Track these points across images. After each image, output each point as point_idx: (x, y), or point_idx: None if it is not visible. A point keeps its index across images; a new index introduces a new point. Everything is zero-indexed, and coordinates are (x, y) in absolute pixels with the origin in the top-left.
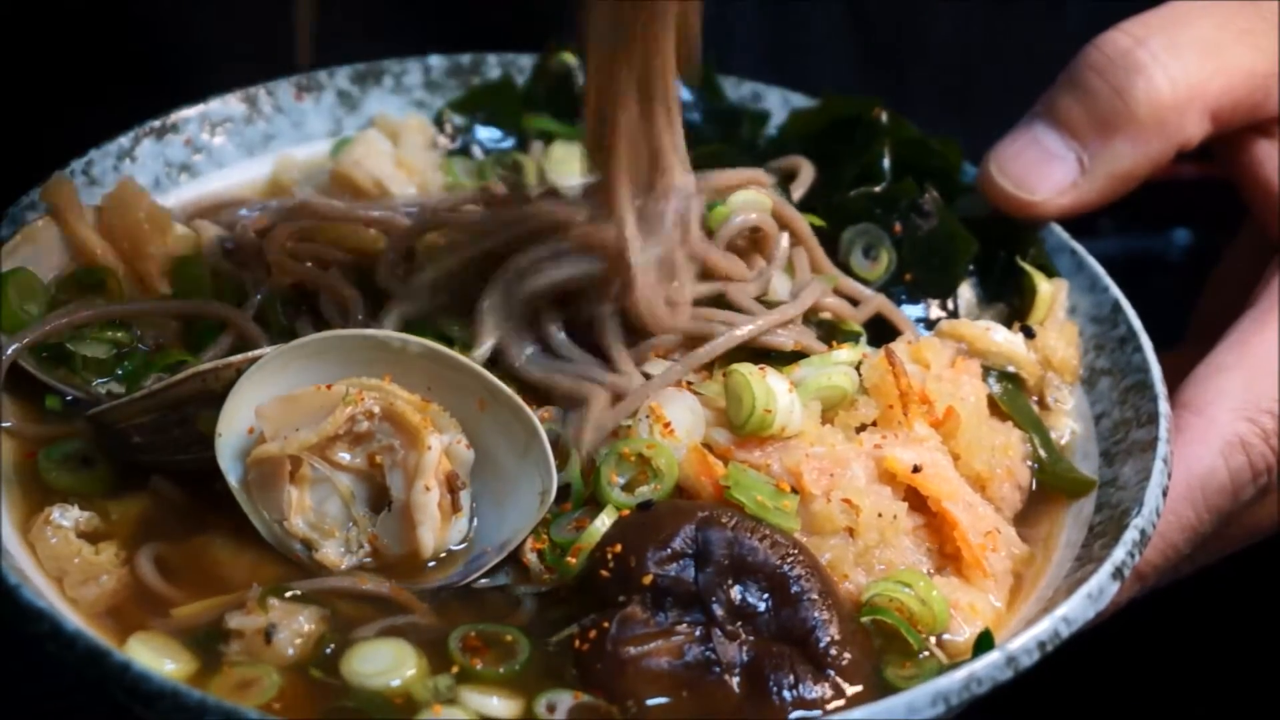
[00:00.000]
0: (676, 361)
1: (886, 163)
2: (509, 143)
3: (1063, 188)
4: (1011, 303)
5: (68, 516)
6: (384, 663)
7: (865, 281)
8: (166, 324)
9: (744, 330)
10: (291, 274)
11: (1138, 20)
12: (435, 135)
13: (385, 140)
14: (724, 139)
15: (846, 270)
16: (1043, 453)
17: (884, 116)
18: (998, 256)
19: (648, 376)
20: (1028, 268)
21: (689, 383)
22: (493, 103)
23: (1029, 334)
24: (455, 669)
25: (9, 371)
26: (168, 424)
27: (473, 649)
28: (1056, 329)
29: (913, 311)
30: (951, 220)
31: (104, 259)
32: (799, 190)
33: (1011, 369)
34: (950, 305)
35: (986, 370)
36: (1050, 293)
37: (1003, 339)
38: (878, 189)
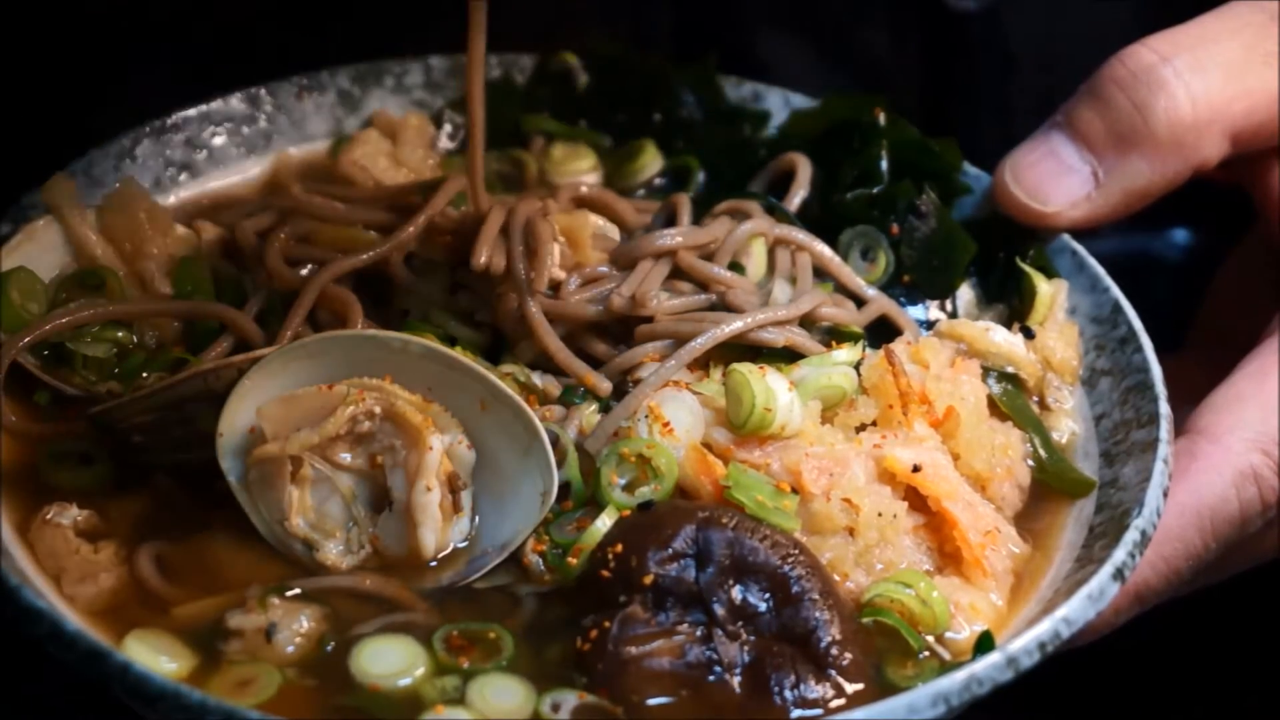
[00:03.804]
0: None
1: (885, 164)
2: (510, 142)
3: (1076, 200)
4: (1011, 303)
5: (66, 515)
6: (395, 662)
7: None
8: (167, 324)
9: (730, 327)
10: (289, 283)
11: (1164, 36)
12: (434, 134)
13: (384, 139)
14: (724, 140)
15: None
16: (1043, 453)
17: (882, 118)
18: (997, 257)
19: (635, 381)
20: (1027, 268)
21: (687, 383)
22: (493, 102)
23: (1028, 334)
24: (441, 674)
25: (9, 370)
26: (169, 423)
27: (458, 648)
28: (1056, 330)
29: (912, 313)
30: (949, 222)
31: (105, 259)
32: (799, 190)
33: (1011, 369)
34: (949, 306)
35: (986, 371)
36: (1050, 293)
37: (1002, 339)
38: (875, 190)
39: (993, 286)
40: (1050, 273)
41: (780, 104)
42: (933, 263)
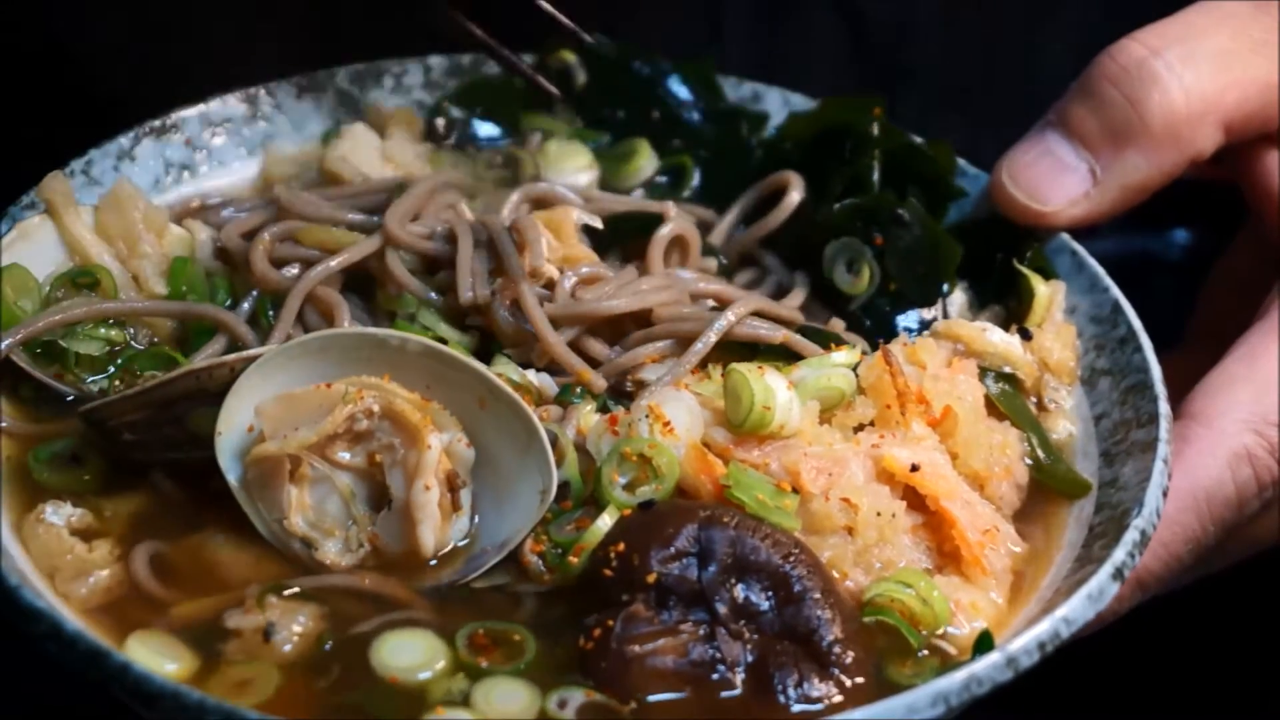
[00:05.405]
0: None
1: (876, 174)
2: (506, 139)
3: (1075, 198)
4: (1008, 305)
5: (60, 514)
6: (416, 657)
7: (850, 296)
8: (161, 324)
9: (726, 318)
10: (273, 285)
11: (1153, 29)
12: (423, 127)
13: (373, 134)
14: (721, 140)
15: (831, 285)
16: (1040, 453)
17: (876, 128)
18: (995, 259)
19: (636, 381)
20: (1024, 270)
21: (686, 383)
22: (492, 98)
23: (1026, 335)
24: (461, 674)
25: (2, 368)
26: (160, 422)
27: (480, 647)
28: (1054, 331)
29: (900, 321)
30: (934, 228)
31: (99, 258)
32: (782, 215)
33: (1008, 369)
34: (934, 313)
35: (984, 371)
36: (1047, 295)
37: (999, 339)
38: (859, 200)
39: (990, 289)
40: (1049, 273)
41: (779, 103)
42: (918, 270)
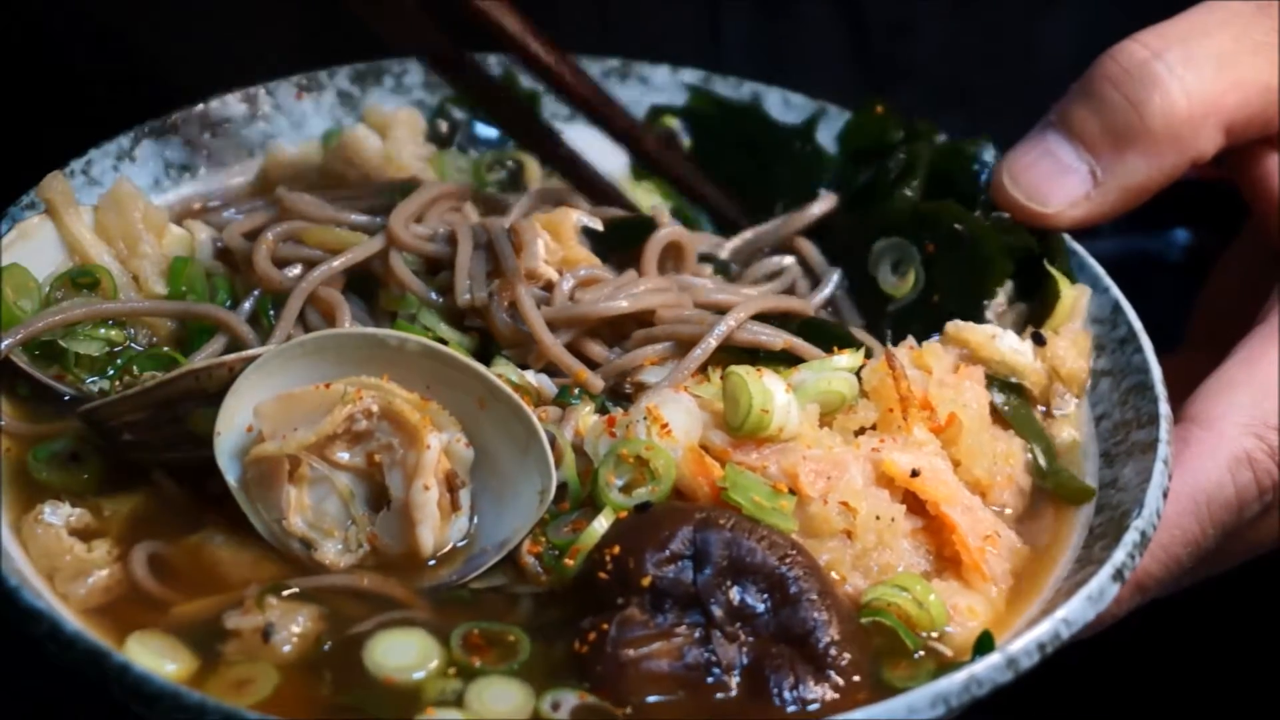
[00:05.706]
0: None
1: (917, 171)
2: (510, 141)
3: (1075, 200)
4: (1031, 305)
5: (59, 514)
6: (409, 657)
7: (890, 297)
8: (160, 324)
9: (727, 322)
10: (276, 285)
11: (1154, 31)
12: (425, 128)
13: (375, 135)
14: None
15: (874, 283)
16: (1043, 463)
17: (915, 128)
18: (1035, 255)
19: (635, 384)
20: (1054, 271)
21: (685, 385)
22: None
23: (1039, 340)
24: (453, 670)
25: (1, 368)
26: (159, 422)
27: (474, 647)
28: (1070, 337)
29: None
30: (990, 245)
31: (99, 258)
32: (813, 214)
33: (1014, 379)
34: None
35: (990, 379)
36: (1072, 299)
37: (1006, 347)
38: (921, 204)
39: (1022, 284)
40: (1071, 278)
41: (779, 103)
42: (964, 287)
